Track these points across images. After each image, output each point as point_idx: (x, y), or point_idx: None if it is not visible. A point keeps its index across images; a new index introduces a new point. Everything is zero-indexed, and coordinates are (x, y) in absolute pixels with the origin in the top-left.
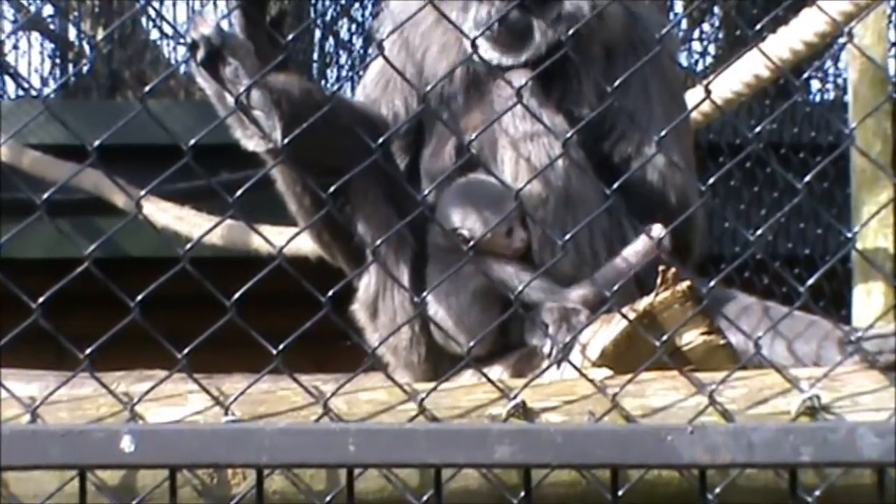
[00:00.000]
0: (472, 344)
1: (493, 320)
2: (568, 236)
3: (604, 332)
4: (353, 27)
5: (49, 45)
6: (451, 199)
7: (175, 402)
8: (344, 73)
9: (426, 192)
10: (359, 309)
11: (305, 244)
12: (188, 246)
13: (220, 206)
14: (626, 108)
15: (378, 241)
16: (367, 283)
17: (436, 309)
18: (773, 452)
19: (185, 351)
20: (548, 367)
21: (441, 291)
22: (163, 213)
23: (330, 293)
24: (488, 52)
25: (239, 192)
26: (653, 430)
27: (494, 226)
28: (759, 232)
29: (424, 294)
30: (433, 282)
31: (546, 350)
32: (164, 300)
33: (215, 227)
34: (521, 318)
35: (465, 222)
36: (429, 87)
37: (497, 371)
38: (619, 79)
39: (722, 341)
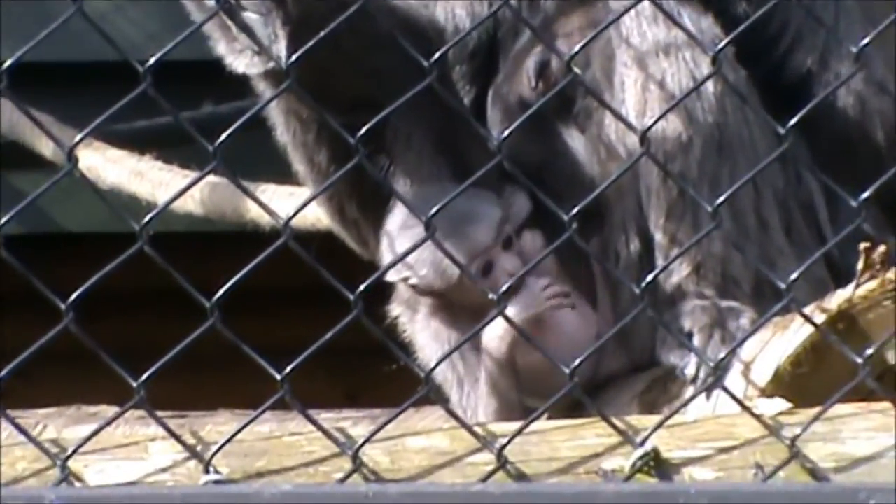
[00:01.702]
0: (576, 363)
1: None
2: (722, 199)
3: (777, 343)
4: None
5: None
6: (393, 230)
7: (129, 453)
8: None
9: (505, 133)
10: (402, 312)
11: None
12: (149, 216)
13: (198, 154)
14: (802, 1)
15: (432, 211)
16: None
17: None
18: None
19: (144, 376)
20: (693, 398)
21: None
22: (112, 167)
23: (361, 287)
24: None
25: (226, 135)
26: (850, 492)
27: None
28: None
29: (502, 288)
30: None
31: (689, 371)
32: (114, 297)
33: (190, 187)
34: (650, 322)
35: (415, 266)
36: None
37: (614, 403)
38: None
39: None
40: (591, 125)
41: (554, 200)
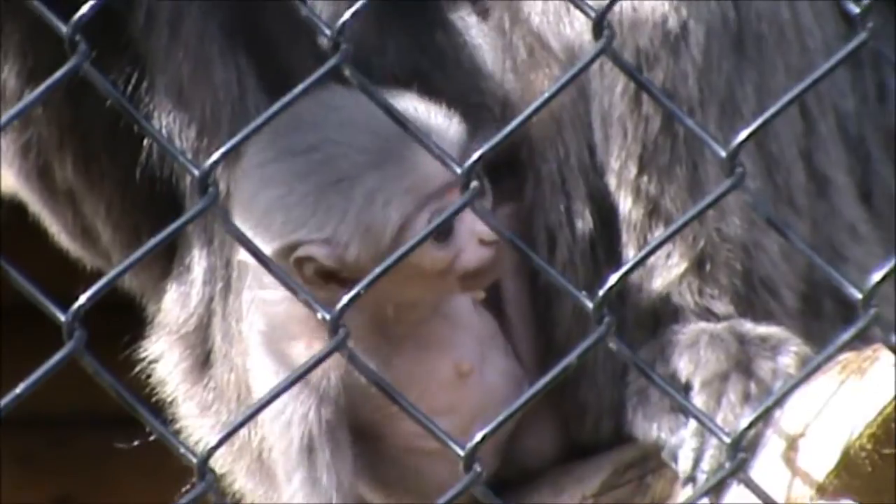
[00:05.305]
0: (476, 438)
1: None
2: (743, 135)
3: (848, 400)
4: None
5: None
6: (278, 163)
7: None
8: None
9: (347, 15)
10: (164, 348)
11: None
12: None
13: None
14: None
15: (214, 158)
16: (185, 280)
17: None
18: None
19: None
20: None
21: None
22: None
23: (84, 298)
24: None
25: None
26: None
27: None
28: None
29: (343, 302)
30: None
31: (685, 454)
32: None
33: None
34: (612, 364)
35: (325, 224)
36: None
37: None
38: None
39: None
40: (499, 5)
41: None
